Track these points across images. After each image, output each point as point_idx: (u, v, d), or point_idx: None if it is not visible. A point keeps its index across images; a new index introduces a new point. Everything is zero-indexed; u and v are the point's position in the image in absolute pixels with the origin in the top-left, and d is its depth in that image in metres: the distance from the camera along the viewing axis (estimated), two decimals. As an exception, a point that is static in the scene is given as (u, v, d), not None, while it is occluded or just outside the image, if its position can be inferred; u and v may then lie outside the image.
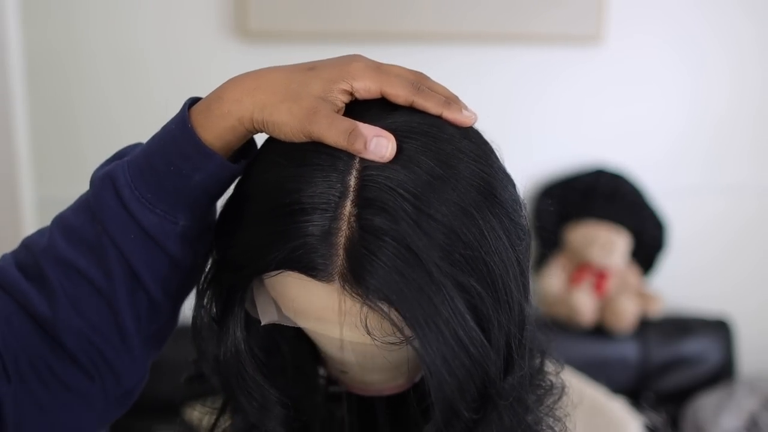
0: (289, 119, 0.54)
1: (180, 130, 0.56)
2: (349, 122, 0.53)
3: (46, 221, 0.61)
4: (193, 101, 0.59)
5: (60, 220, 0.59)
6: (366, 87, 0.56)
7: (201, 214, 0.58)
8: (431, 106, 0.56)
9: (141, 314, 0.58)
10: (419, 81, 0.57)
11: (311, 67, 0.57)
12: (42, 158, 1.73)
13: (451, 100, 0.57)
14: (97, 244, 0.56)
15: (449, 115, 0.56)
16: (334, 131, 0.53)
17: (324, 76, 0.56)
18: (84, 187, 0.60)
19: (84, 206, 0.58)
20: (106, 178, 0.57)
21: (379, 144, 0.52)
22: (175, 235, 0.57)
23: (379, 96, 0.57)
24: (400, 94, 0.56)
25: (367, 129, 0.53)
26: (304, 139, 0.54)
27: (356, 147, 0.52)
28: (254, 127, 0.57)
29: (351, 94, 0.56)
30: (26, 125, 1.40)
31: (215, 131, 0.56)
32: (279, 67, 0.58)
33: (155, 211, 0.56)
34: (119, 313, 0.57)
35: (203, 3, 1.91)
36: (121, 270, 0.57)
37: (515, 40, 2.03)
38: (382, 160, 0.52)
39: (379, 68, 0.57)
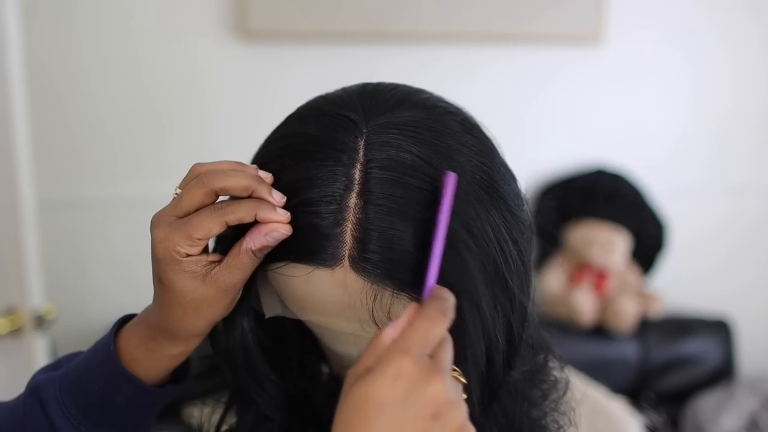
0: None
1: (105, 351, 0.57)
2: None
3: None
4: (125, 319, 0.60)
5: None
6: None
7: None
8: (243, 215, 0.52)
9: None
10: (221, 206, 0.53)
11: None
12: (42, 159, 1.73)
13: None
14: None
15: (261, 214, 0.52)
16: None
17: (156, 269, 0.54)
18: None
19: (14, 411, 0.60)
20: (36, 390, 0.58)
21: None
22: None
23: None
24: (210, 226, 0.52)
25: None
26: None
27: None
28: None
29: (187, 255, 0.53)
30: (26, 126, 1.40)
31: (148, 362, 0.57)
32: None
33: (79, 427, 0.57)
34: None
35: (203, 3, 1.91)
36: None
37: (515, 39, 2.03)
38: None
39: (182, 223, 0.53)
